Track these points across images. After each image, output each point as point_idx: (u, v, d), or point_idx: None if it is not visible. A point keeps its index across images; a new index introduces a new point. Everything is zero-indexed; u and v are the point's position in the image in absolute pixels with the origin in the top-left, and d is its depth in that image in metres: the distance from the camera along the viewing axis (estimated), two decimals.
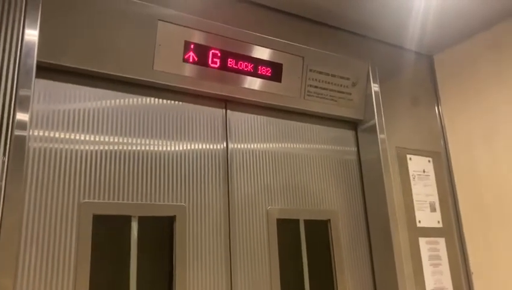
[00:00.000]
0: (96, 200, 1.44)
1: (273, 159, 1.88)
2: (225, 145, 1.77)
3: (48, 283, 1.30)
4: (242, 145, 1.81)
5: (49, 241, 1.33)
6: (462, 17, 2.11)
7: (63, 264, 1.34)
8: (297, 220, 1.89)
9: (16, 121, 1.27)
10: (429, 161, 2.25)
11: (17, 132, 1.26)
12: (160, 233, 1.56)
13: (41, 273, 1.30)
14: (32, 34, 1.35)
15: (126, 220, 1.50)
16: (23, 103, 1.29)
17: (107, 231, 1.46)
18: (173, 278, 1.52)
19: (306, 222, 1.91)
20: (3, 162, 1.21)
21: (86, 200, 1.42)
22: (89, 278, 1.36)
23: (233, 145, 1.79)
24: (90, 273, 1.37)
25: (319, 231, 1.95)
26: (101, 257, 1.42)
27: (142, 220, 1.52)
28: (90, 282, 1.36)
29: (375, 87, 2.15)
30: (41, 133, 1.41)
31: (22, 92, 1.30)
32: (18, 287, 1.25)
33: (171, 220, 1.58)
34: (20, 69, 1.31)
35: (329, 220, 1.96)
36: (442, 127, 2.38)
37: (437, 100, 2.42)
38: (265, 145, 1.88)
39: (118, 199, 1.49)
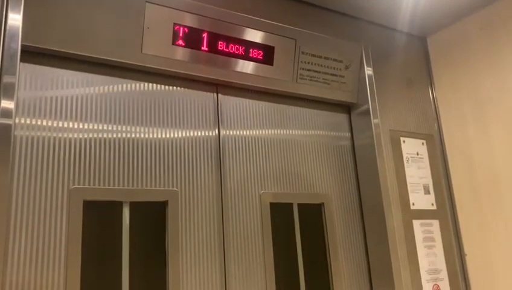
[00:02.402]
0: (86, 186, 1.42)
1: (266, 143, 1.87)
2: (217, 129, 1.75)
3: (39, 269, 1.29)
4: (234, 130, 1.80)
5: (39, 228, 1.32)
6: None
7: (53, 251, 1.32)
8: (291, 204, 1.89)
9: (0, 109, 1.24)
10: (423, 144, 2.24)
11: (2, 120, 1.23)
12: (153, 218, 1.55)
13: (32, 259, 1.29)
14: (15, 19, 1.32)
15: (117, 205, 1.48)
16: (8, 90, 1.26)
17: (98, 217, 1.44)
18: (166, 263, 1.51)
19: (300, 205, 1.91)
20: None
21: (76, 186, 1.40)
22: (80, 264, 1.35)
23: (225, 130, 1.77)
24: (81, 260, 1.35)
25: (313, 215, 1.95)
26: (92, 243, 1.41)
27: (133, 206, 1.51)
28: (81, 268, 1.35)
29: (368, 71, 2.13)
30: (27, 121, 1.38)
31: (6, 79, 1.26)
32: (8, 274, 1.24)
33: (163, 205, 1.57)
34: (4, 53, 1.28)
35: (323, 203, 1.95)
36: (436, 109, 2.37)
37: (431, 82, 2.41)
38: (257, 129, 1.86)
39: (109, 185, 1.47)
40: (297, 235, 1.87)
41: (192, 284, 1.54)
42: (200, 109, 1.74)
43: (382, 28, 2.31)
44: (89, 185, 1.43)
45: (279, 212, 1.84)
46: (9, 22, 1.31)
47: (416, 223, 2.07)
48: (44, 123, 1.41)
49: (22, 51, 1.32)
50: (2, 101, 1.24)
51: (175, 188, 1.59)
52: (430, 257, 2.06)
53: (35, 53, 1.41)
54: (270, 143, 1.88)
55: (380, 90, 2.15)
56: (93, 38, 1.47)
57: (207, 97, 1.77)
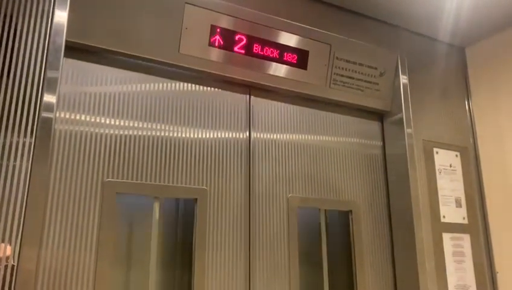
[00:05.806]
0: (119, 180, 1.46)
1: (296, 147, 1.86)
2: (248, 131, 1.77)
3: (71, 257, 1.33)
4: (265, 132, 1.80)
5: (73, 217, 1.36)
6: (496, 8, 2.04)
7: (85, 239, 1.36)
8: (318, 210, 1.88)
9: (43, 102, 1.29)
10: (457, 156, 2.19)
11: (44, 114, 1.28)
12: (181, 215, 1.58)
13: (65, 248, 1.33)
14: (61, 15, 1.37)
15: (148, 200, 1.52)
16: (51, 85, 1.31)
17: (129, 210, 1.48)
18: (192, 260, 1.53)
19: (327, 211, 1.89)
20: (29, 143, 1.23)
21: (110, 179, 1.44)
22: (111, 254, 1.39)
23: (256, 132, 1.78)
24: (111, 249, 1.39)
25: (340, 222, 1.93)
26: (123, 234, 1.45)
27: (163, 201, 1.54)
28: (111, 257, 1.38)
29: (403, 79, 2.10)
30: (67, 116, 1.43)
31: (50, 74, 1.31)
32: (42, 262, 1.28)
33: (192, 202, 1.59)
34: (49, 48, 1.33)
35: (351, 211, 1.93)
36: (472, 122, 2.31)
37: (467, 94, 2.35)
38: (288, 133, 1.86)
39: (141, 180, 1.50)
40: (324, 241, 1.86)
41: (217, 282, 1.55)
42: (232, 110, 1.76)
43: (419, 37, 2.28)
44: (122, 179, 1.47)
45: (306, 217, 1.83)
46: (55, 18, 1.37)
47: (446, 237, 2.02)
48: (83, 118, 1.45)
49: (66, 47, 1.37)
50: (45, 95, 1.30)
51: (204, 187, 1.61)
52: (459, 272, 2.01)
53: (78, 49, 1.46)
54: (300, 147, 1.87)
55: (415, 99, 2.12)
56: (134, 37, 1.52)
57: (240, 99, 1.79)
